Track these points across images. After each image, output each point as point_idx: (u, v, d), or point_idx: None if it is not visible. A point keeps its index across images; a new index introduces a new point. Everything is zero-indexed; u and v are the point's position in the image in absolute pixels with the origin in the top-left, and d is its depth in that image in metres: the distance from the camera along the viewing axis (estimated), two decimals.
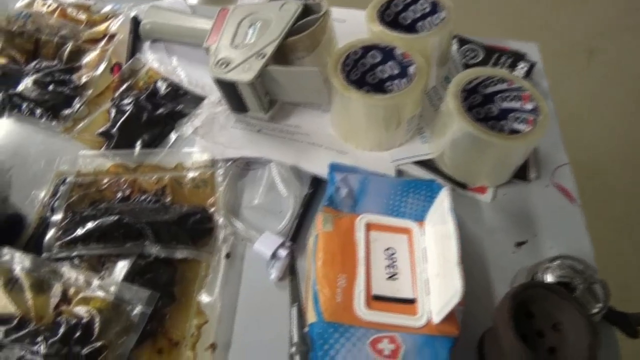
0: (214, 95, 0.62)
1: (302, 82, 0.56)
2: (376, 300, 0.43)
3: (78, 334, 0.42)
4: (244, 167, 0.56)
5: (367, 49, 0.59)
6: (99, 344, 0.42)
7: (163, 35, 0.67)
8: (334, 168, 0.53)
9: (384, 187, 0.51)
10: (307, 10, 0.59)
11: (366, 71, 0.61)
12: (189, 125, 0.58)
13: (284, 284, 0.48)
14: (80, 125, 0.58)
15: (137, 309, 0.44)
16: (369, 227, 0.48)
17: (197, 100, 0.62)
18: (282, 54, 0.58)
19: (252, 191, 0.55)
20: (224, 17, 0.61)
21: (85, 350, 0.42)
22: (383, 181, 0.52)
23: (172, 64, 0.66)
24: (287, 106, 0.62)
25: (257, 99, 0.57)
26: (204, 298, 0.46)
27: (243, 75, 0.54)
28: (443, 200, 0.44)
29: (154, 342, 0.44)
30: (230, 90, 0.57)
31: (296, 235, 0.52)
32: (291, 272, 0.46)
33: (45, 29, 0.65)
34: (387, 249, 0.47)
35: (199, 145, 0.57)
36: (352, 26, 0.63)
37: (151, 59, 0.65)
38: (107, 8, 0.71)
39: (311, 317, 0.42)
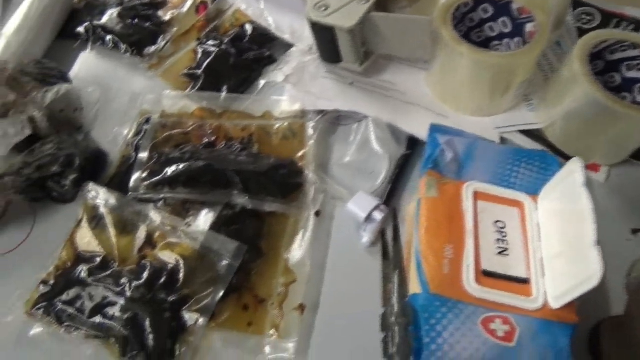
0: (302, 43, 0.58)
1: (408, 32, 0.51)
2: (485, 276, 0.39)
3: (162, 280, 0.40)
4: (333, 122, 0.53)
5: (478, 1, 0.53)
6: (183, 292, 0.40)
7: None
8: (436, 130, 0.49)
9: (493, 155, 0.47)
10: None
11: (472, 27, 0.56)
12: (279, 73, 0.54)
13: (374, 248, 0.45)
14: (166, 64, 0.55)
15: (224, 261, 0.41)
16: (477, 196, 0.43)
17: (285, 46, 0.58)
18: (382, 2, 0.53)
19: (343, 148, 0.51)
20: None
21: (170, 298, 0.39)
22: (491, 148, 0.47)
23: (259, 7, 0.61)
24: (381, 60, 0.57)
25: (354, 48, 0.53)
26: (293, 256, 0.43)
27: (343, 20, 0.50)
28: (573, 173, 0.39)
29: (239, 298, 0.41)
30: (325, 37, 0.53)
31: (389, 198, 0.48)
32: (394, 237, 0.43)
33: None
34: (497, 221, 0.42)
35: (288, 94, 0.53)
36: None
37: (236, 0, 0.61)
38: None
39: (414, 287, 0.39)
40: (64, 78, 0.50)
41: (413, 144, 0.51)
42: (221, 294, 0.40)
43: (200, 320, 0.39)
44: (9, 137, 0.42)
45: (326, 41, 0.53)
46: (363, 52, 0.55)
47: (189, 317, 0.39)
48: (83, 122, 0.48)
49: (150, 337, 0.38)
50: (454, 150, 0.46)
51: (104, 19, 0.57)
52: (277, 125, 0.51)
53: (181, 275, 0.41)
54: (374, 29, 0.51)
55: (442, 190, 0.43)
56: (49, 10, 0.55)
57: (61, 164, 0.43)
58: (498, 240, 0.41)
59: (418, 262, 0.39)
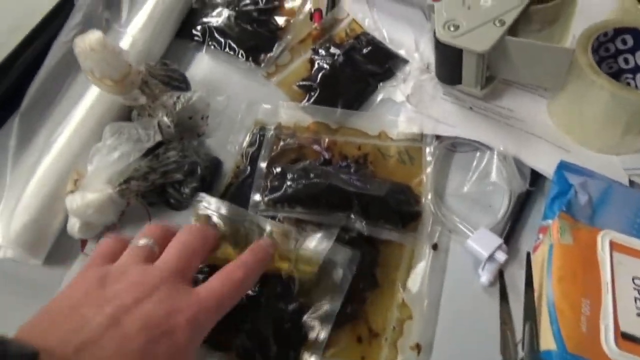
0: (418, 58, 0.56)
1: (542, 60, 0.48)
2: (625, 339, 0.36)
3: (279, 289, 0.40)
4: (450, 147, 0.50)
5: (619, 31, 0.49)
6: (301, 301, 0.39)
7: None
8: (565, 167, 0.46)
9: (630, 201, 0.43)
10: None
11: (606, 57, 0.52)
12: (397, 91, 0.53)
13: (492, 288, 0.43)
14: (283, 73, 0.54)
15: (340, 269, 0.40)
16: (613, 246, 0.40)
17: (399, 61, 0.56)
18: (513, 25, 0.50)
19: (460, 177, 0.49)
20: None
21: (289, 307, 0.39)
22: (629, 193, 0.44)
23: (373, 17, 0.60)
24: (499, 84, 0.54)
25: (478, 72, 0.50)
26: (409, 290, 0.42)
27: (476, 43, 0.47)
28: None
29: (353, 328, 0.40)
30: (450, 58, 0.50)
31: (509, 236, 0.45)
32: (527, 283, 0.40)
33: None
34: (636, 278, 0.39)
35: (407, 115, 0.51)
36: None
37: (352, 9, 0.60)
38: None
39: (547, 342, 0.36)
40: (185, 81, 0.50)
41: (534, 178, 0.48)
42: (338, 305, 0.40)
43: (322, 333, 0.39)
44: (142, 142, 0.42)
45: (450, 62, 0.51)
46: (486, 77, 0.52)
47: (310, 325, 0.39)
48: (206, 129, 0.48)
49: (274, 349, 0.37)
50: (588, 193, 0.43)
51: (220, 21, 0.57)
52: (393, 147, 0.49)
53: (297, 285, 0.40)
54: (505, 54, 0.49)
55: (577, 236, 0.40)
56: (171, 9, 0.55)
57: (185, 171, 0.43)
58: (638, 299, 0.38)
59: (552, 314, 0.37)
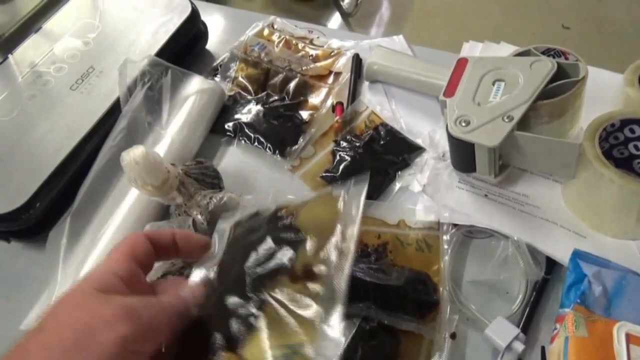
0: (435, 148, 0.59)
1: (552, 153, 0.51)
2: None
3: None
4: (467, 234, 0.53)
5: (625, 122, 0.52)
6: None
7: (387, 78, 0.66)
8: (580, 256, 0.47)
9: None
10: (559, 71, 0.54)
11: (616, 144, 0.54)
12: (414, 181, 0.56)
13: None
14: (307, 166, 0.58)
15: None
16: (630, 338, 0.41)
17: (416, 150, 0.59)
18: (522, 117, 0.53)
19: (477, 264, 0.51)
20: (463, 69, 0.57)
21: None
22: None
23: (391, 108, 0.64)
24: (514, 169, 0.57)
25: (491, 162, 0.53)
26: None
27: (487, 138, 0.50)
28: None
29: None
30: (463, 150, 0.54)
31: (526, 324, 0.46)
32: None
33: (276, 61, 0.67)
34: None
35: (424, 205, 0.54)
36: (595, 85, 0.55)
37: (371, 101, 0.64)
38: (332, 43, 0.71)
39: None
40: (218, 177, 0.54)
41: (551, 265, 0.50)
42: None
43: None
44: None
45: (464, 153, 0.54)
46: (499, 165, 0.55)
47: None
48: None
49: None
50: (603, 283, 0.44)
51: (250, 117, 0.62)
52: (412, 236, 0.52)
53: None
54: (516, 146, 0.52)
55: (592, 329, 0.41)
56: (206, 109, 0.61)
57: None
58: None
59: None
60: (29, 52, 0.62)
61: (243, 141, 0.62)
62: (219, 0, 0.69)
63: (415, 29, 2.00)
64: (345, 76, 0.66)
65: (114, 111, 0.58)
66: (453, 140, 0.54)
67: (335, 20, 2.06)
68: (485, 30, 1.95)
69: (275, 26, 0.74)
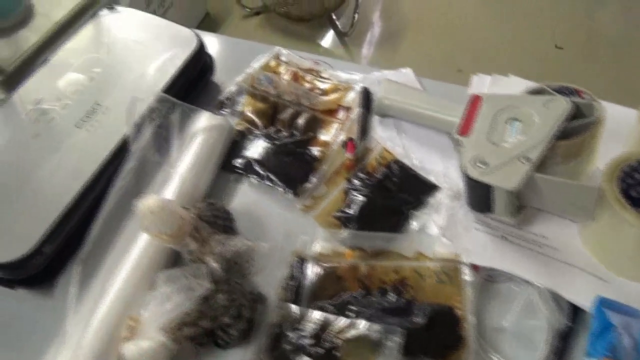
0: (448, 186, 0.58)
1: (570, 196, 0.50)
2: None
3: None
4: (487, 278, 0.52)
5: None
6: None
7: (397, 114, 0.65)
8: (605, 304, 0.46)
9: None
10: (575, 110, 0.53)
11: (633, 184, 0.54)
12: (430, 221, 0.55)
13: None
14: (320, 205, 0.57)
15: None
16: None
17: (430, 188, 0.58)
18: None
19: (499, 309, 0.50)
20: (477, 106, 0.57)
21: None
22: None
23: (402, 144, 0.63)
24: (531, 209, 0.56)
25: (509, 204, 0.52)
26: None
27: (505, 180, 0.50)
28: None
29: None
30: (479, 190, 0.53)
31: None
32: None
33: (285, 94, 0.66)
34: None
35: (440, 243, 0.53)
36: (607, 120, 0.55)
37: (382, 136, 0.64)
38: (339, 75, 0.70)
39: None
40: (229, 218, 0.53)
41: (574, 310, 0.49)
42: None
43: None
44: (193, 291, 0.44)
45: (479, 194, 0.53)
46: (517, 206, 0.54)
47: None
48: (251, 271, 0.51)
49: None
50: (632, 335, 0.44)
51: (260, 154, 0.61)
52: (431, 268, 0.51)
53: None
54: (533, 188, 0.51)
55: None
56: (215, 146, 0.60)
57: (231, 315, 0.46)
58: None
59: None
60: (33, 88, 0.60)
61: (253, 179, 0.61)
62: (215, 23, 0.68)
63: (409, 46, 2.01)
64: (355, 111, 0.65)
65: (122, 150, 0.56)
66: (469, 181, 0.53)
67: (330, 39, 2.07)
68: (479, 48, 1.97)
69: (281, 57, 0.74)
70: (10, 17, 0.66)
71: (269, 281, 0.52)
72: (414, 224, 0.56)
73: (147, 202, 0.43)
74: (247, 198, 0.60)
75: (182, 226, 0.45)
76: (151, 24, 0.69)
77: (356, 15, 2.03)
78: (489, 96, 0.57)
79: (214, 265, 0.47)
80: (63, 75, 0.62)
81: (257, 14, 2.15)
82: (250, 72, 0.70)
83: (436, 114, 0.62)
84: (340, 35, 2.07)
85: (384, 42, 2.06)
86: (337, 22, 2.07)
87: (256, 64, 0.72)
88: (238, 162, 0.62)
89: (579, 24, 2.07)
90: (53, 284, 0.52)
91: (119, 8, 0.69)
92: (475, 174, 0.51)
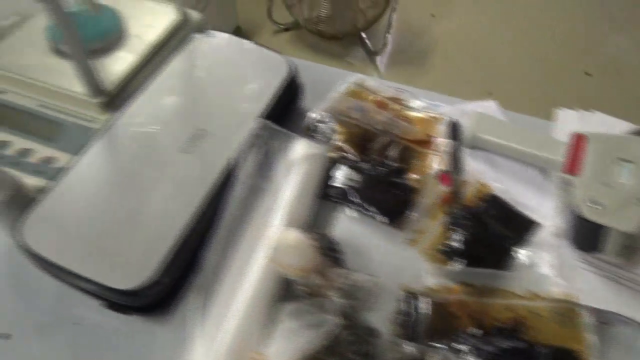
0: (546, 222, 0.58)
1: None
2: None
3: None
4: (601, 320, 0.51)
5: None
6: None
7: (490, 147, 0.65)
8: None
9: None
10: None
11: None
12: (536, 258, 0.55)
13: None
14: (424, 239, 0.57)
15: None
16: None
17: (530, 224, 0.58)
18: None
19: (615, 353, 0.49)
20: (582, 145, 0.57)
21: None
22: None
23: (497, 178, 0.63)
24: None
25: (620, 244, 0.52)
26: None
27: (622, 222, 0.50)
28: None
29: None
30: (590, 231, 0.53)
31: None
32: None
33: (375, 123, 0.66)
34: None
35: (552, 282, 0.53)
36: None
37: (475, 171, 0.64)
38: (422, 104, 0.71)
39: None
40: (340, 251, 0.53)
41: None
42: None
43: None
44: (319, 327, 0.44)
45: (589, 234, 0.53)
46: (625, 246, 0.54)
47: None
48: (371, 306, 0.50)
49: None
50: None
51: (355, 183, 0.61)
52: (545, 307, 0.51)
53: None
54: None
55: None
56: (316, 174, 0.60)
57: (356, 351, 0.45)
58: None
59: None
60: (135, 110, 0.60)
61: (350, 208, 0.60)
62: (245, 38, 0.68)
63: (440, 67, 2.02)
64: (446, 142, 0.65)
65: (227, 175, 0.56)
66: (581, 221, 0.53)
67: (360, 57, 2.08)
68: (508, 72, 1.99)
69: (365, 84, 0.74)
70: (107, 37, 0.66)
71: (377, 316, 0.52)
72: (521, 261, 0.55)
73: (286, 236, 0.42)
74: (346, 228, 0.59)
75: (314, 260, 0.45)
76: (243, 49, 0.69)
77: (388, 36, 2.04)
78: (595, 136, 0.57)
79: (337, 299, 0.47)
80: (164, 98, 0.62)
81: (287, 29, 2.16)
82: (335, 99, 0.70)
83: (534, 151, 0.62)
84: (370, 54, 2.08)
85: (413, 62, 2.08)
86: (367, 41, 2.09)
87: (339, 90, 0.72)
88: (333, 191, 0.61)
89: (608, 51, 2.10)
90: (167, 311, 0.51)
91: (211, 32, 0.70)
92: (590, 215, 0.51)
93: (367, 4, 1.93)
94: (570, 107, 0.69)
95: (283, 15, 2.08)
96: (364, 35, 2.08)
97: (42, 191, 0.55)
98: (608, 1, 2.30)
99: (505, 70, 2.01)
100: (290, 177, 0.58)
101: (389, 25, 2.03)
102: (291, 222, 0.55)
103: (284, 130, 0.61)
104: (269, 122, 0.60)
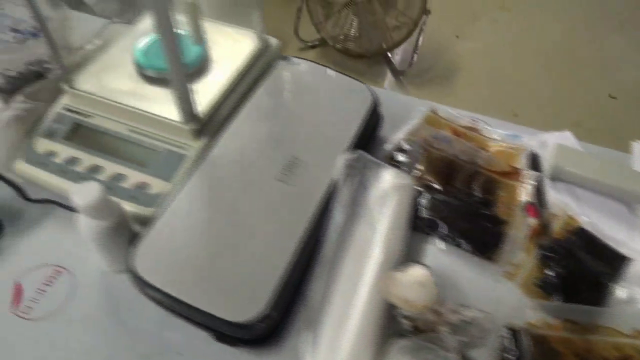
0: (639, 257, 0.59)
1: None
2: None
3: None
4: None
5: None
6: None
7: (574, 180, 0.66)
8: None
9: None
10: None
11: None
12: (636, 294, 0.55)
13: None
14: (519, 272, 0.57)
15: None
16: None
17: (622, 259, 0.59)
18: None
19: None
20: None
21: None
22: None
23: (581, 211, 0.63)
24: None
25: None
26: None
27: None
28: None
29: None
30: None
31: None
32: None
33: (460, 154, 0.67)
34: None
35: None
36: None
37: (560, 204, 0.64)
38: (499, 134, 0.71)
39: None
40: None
41: None
42: None
43: None
44: None
45: None
46: None
47: None
48: (482, 342, 0.50)
49: None
50: None
51: (445, 214, 0.61)
52: None
53: None
54: None
55: None
56: (407, 204, 0.60)
57: None
58: None
59: None
60: (228, 137, 0.60)
61: (440, 240, 0.60)
62: None
63: (465, 88, 2.04)
64: (530, 174, 0.65)
65: (325, 205, 0.56)
66: None
67: (385, 76, 2.10)
68: (532, 94, 2.00)
69: (439, 113, 0.74)
70: (197, 64, 0.66)
71: (480, 352, 0.52)
72: (618, 297, 0.56)
73: (413, 273, 0.42)
74: (436, 260, 0.59)
75: (436, 297, 0.45)
76: (327, 77, 0.69)
77: (415, 56, 2.06)
78: None
79: (450, 335, 0.47)
80: (255, 126, 0.62)
81: (314, 47, 2.18)
82: (415, 127, 0.71)
83: (620, 184, 0.62)
84: (395, 73, 2.09)
85: (439, 82, 2.09)
86: (393, 60, 2.11)
87: (416, 118, 0.72)
88: (422, 221, 0.62)
89: (632, 73, 2.11)
90: (271, 343, 0.51)
91: (294, 59, 0.70)
92: None
93: (395, 23, 1.96)
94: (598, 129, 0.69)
95: (309, 33, 2.10)
96: (389, 54, 2.09)
97: (144, 219, 0.55)
98: (629, 23, 2.33)
99: (529, 92, 2.02)
100: (385, 207, 0.58)
101: (416, 45, 2.04)
102: (389, 254, 0.55)
103: (377, 160, 0.61)
104: (363, 153, 0.60)
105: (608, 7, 2.40)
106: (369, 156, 0.61)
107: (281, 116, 0.64)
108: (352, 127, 0.64)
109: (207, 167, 0.58)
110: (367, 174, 0.60)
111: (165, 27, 0.50)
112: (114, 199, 0.55)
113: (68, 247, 0.59)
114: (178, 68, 0.54)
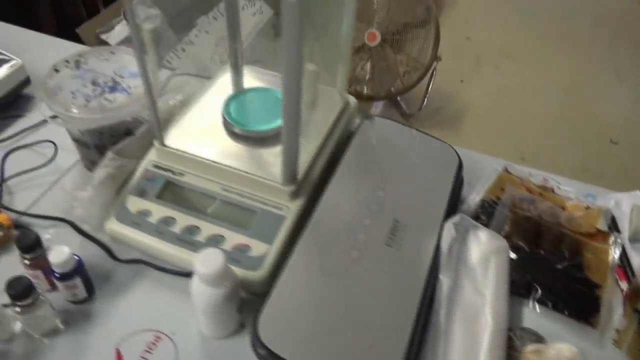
0: None
1: None
2: None
3: None
4: None
5: None
6: None
7: None
8: None
9: None
10: None
11: None
12: None
13: None
14: (626, 340, 0.57)
15: None
16: None
17: None
18: None
19: None
20: None
21: None
22: None
23: None
24: None
25: None
26: None
27: None
28: None
29: None
30: None
31: None
32: None
33: (543, 214, 0.68)
34: None
35: None
36: None
37: None
38: (571, 193, 0.73)
39: None
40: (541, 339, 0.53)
41: None
42: None
43: None
44: None
45: None
46: None
47: None
48: None
49: None
50: None
51: (538, 277, 0.62)
52: None
53: None
54: None
55: None
56: (506, 268, 0.60)
57: None
58: None
59: None
60: (329, 201, 0.60)
61: (535, 302, 0.61)
62: None
63: (472, 131, 2.09)
64: (614, 235, 0.67)
65: (432, 271, 0.56)
66: None
67: (394, 117, 2.13)
68: (538, 138, 2.05)
69: (510, 170, 0.76)
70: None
71: None
72: None
73: (561, 350, 0.42)
74: (535, 323, 0.59)
75: None
76: (411, 137, 0.70)
77: (426, 99, 2.10)
78: None
79: None
80: (351, 187, 0.62)
81: None
82: (490, 187, 0.71)
83: None
84: (405, 116, 2.13)
85: (447, 125, 2.14)
86: (402, 103, 2.15)
87: (491, 179, 0.73)
88: (517, 284, 0.62)
89: (633, 119, 2.20)
90: None
91: (377, 119, 0.71)
92: None
93: (406, 69, 2.00)
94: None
95: None
96: (398, 97, 2.14)
97: (252, 283, 0.54)
98: (632, 74, 2.43)
99: (536, 137, 2.08)
100: (489, 271, 0.58)
101: (427, 89, 2.09)
102: (499, 322, 0.55)
103: (476, 223, 0.61)
104: (465, 216, 0.60)
105: (608, 60, 2.50)
106: (469, 219, 0.61)
107: (375, 178, 0.64)
108: (445, 188, 0.64)
109: (314, 230, 0.57)
110: (468, 237, 0.60)
111: (292, 90, 0.50)
112: None
113: (163, 310, 0.57)
114: (295, 131, 0.54)
